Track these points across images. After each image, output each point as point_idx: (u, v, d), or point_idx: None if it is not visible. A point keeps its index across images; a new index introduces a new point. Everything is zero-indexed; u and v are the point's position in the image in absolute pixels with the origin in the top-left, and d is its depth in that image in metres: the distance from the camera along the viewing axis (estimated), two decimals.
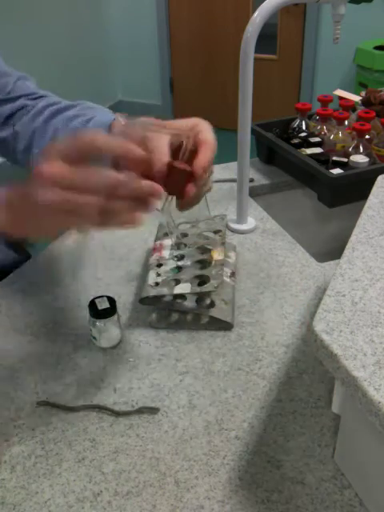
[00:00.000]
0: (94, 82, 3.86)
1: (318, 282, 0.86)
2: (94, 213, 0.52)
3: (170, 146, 0.58)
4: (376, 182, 0.79)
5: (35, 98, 0.87)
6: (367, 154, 1.07)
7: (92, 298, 0.73)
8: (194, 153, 0.60)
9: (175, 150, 0.60)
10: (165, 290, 0.76)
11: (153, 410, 0.64)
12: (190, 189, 0.58)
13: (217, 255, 0.80)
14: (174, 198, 0.60)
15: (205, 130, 0.63)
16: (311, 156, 1.09)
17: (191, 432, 0.62)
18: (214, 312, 0.76)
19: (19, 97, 0.87)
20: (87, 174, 0.53)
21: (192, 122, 0.64)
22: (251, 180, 1.15)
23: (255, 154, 1.24)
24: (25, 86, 0.89)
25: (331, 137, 1.15)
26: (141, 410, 0.64)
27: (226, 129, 3.85)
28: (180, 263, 0.81)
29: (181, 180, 0.58)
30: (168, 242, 0.85)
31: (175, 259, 0.82)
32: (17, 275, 0.90)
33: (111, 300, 0.73)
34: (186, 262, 0.80)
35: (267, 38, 3.50)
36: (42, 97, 0.87)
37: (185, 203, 0.61)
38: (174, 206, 0.61)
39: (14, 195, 0.57)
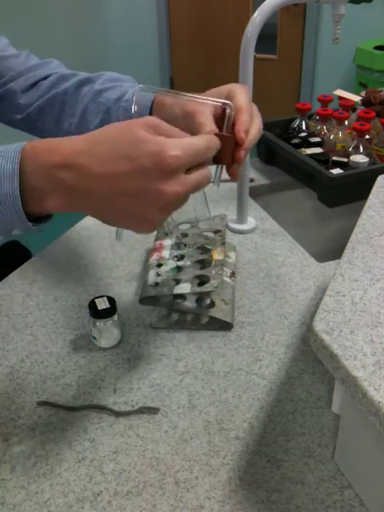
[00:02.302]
0: None
1: (318, 282, 0.86)
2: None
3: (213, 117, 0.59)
4: (376, 182, 0.79)
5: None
6: (367, 154, 1.07)
7: (92, 298, 0.73)
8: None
9: (217, 120, 0.61)
10: (165, 290, 0.76)
11: (153, 410, 0.64)
12: (240, 155, 0.60)
13: (217, 255, 0.80)
14: (224, 167, 0.62)
15: (239, 94, 0.63)
16: (311, 156, 1.09)
17: (191, 432, 0.62)
18: (213, 312, 0.76)
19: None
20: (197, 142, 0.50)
21: (227, 89, 0.64)
22: (251, 180, 1.15)
23: (255, 154, 1.24)
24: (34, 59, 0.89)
25: (331, 137, 1.15)
26: (141, 410, 0.64)
27: None
28: (180, 263, 0.81)
29: (228, 148, 0.60)
30: (168, 241, 0.85)
31: (175, 259, 0.82)
32: (17, 275, 0.90)
33: (111, 300, 0.73)
34: (186, 262, 0.80)
35: (267, 38, 3.50)
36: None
37: (235, 170, 0.61)
38: (223, 177, 0.62)
39: (110, 182, 0.46)
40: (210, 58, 3.87)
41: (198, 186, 0.51)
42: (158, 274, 0.79)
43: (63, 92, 0.80)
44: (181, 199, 0.50)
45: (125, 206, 0.48)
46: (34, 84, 0.83)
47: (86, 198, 0.48)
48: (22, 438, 0.62)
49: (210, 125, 0.59)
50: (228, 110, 0.60)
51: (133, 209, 0.48)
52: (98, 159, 0.47)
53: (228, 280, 0.82)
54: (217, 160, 0.60)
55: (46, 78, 0.83)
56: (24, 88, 0.82)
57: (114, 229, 1.03)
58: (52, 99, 0.80)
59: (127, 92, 0.76)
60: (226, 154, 0.60)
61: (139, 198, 0.47)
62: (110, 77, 0.81)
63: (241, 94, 0.63)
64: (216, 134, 0.57)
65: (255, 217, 1.04)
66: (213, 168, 0.59)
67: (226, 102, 0.60)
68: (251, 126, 0.62)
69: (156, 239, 0.89)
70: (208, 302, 0.78)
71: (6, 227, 0.50)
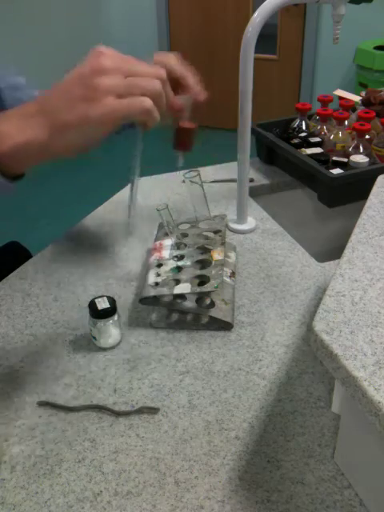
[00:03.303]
0: None
1: (318, 282, 0.86)
2: (156, 96, 0.53)
3: None
4: (376, 182, 0.79)
5: None
6: (367, 154, 1.07)
7: (92, 298, 0.73)
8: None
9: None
10: (165, 290, 0.76)
11: (153, 410, 0.64)
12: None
13: (217, 255, 0.80)
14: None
15: (167, 58, 0.69)
16: (311, 156, 1.09)
17: (191, 432, 0.62)
18: (213, 312, 0.76)
19: None
20: (141, 62, 0.54)
21: (159, 61, 0.68)
22: (251, 180, 1.15)
23: (255, 153, 1.24)
24: None
25: (331, 137, 1.15)
26: (141, 410, 0.64)
27: (226, 129, 3.86)
28: (180, 263, 0.81)
29: (190, 137, 0.67)
30: (168, 241, 0.85)
31: (175, 259, 0.82)
32: (17, 275, 0.90)
33: (111, 300, 0.73)
34: (186, 262, 0.80)
35: (267, 38, 3.50)
36: None
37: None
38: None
39: (54, 93, 0.52)
40: (210, 59, 3.87)
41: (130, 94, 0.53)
42: (158, 274, 0.79)
43: None
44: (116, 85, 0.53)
45: (69, 93, 0.52)
46: None
47: (37, 109, 0.52)
48: (22, 438, 0.62)
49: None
50: (187, 102, 0.63)
51: (76, 91, 0.52)
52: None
53: (228, 280, 0.82)
54: (177, 146, 0.68)
55: None
56: None
57: (113, 229, 1.03)
58: None
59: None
60: (188, 142, 0.67)
61: (80, 83, 0.53)
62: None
63: (169, 57, 0.69)
64: (179, 127, 0.63)
65: (255, 217, 1.04)
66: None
67: (184, 96, 0.64)
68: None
69: (156, 239, 0.89)
70: (208, 302, 0.78)
71: None
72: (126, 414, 0.64)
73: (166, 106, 0.56)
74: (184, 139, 0.68)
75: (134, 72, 0.53)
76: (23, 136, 0.50)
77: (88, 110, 0.51)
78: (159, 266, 0.81)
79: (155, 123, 0.54)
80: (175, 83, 0.68)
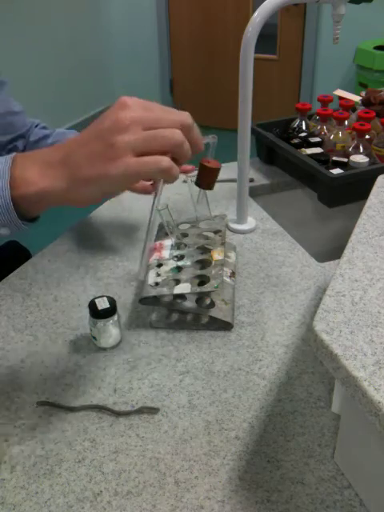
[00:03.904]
0: (94, 83, 3.86)
1: (318, 282, 0.86)
2: (176, 147, 0.52)
3: None
4: (376, 182, 0.79)
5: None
6: (367, 154, 1.07)
7: (92, 298, 0.73)
8: None
9: None
10: (165, 290, 0.76)
11: (153, 410, 0.64)
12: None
13: (217, 255, 0.80)
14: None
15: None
16: (311, 156, 1.09)
17: (191, 432, 0.62)
18: (213, 312, 0.76)
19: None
20: (166, 109, 0.53)
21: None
22: (251, 180, 1.15)
23: (255, 153, 1.24)
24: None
25: (331, 137, 1.15)
26: (141, 410, 0.64)
27: (226, 129, 3.85)
28: (180, 263, 0.81)
29: (212, 177, 0.68)
30: (168, 242, 0.85)
31: (175, 259, 0.82)
32: (17, 275, 0.90)
33: (111, 300, 0.73)
34: (186, 262, 0.80)
35: (267, 38, 3.50)
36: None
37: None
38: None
39: (75, 146, 0.52)
40: (209, 59, 3.87)
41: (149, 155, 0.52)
42: (158, 274, 0.79)
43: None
44: (136, 139, 0.52)
45: (89, 147, 0.52)
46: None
47: (59, 159, 0.53)
48: (22, 438, 0.62)
49: None
50: (212, 141, 0.63)
51: (96, 148, 0.52)
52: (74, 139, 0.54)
53: (228, 280, 0.82)
54: (201, 184, 0.69)
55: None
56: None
57: (113, 229, 1.03)
58: None
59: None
60: (211, 181, 0.70)
61: (99, 138, 0.52)
62: (59, 132, 1.01)
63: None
64: (202, 165, 0.65)
65: (255, 217, 1.04)
66: None
67: (209, 136, 0.66)
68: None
69: (156, 239, 0.89)
70: (208, 302, 0.78)
71: None
72: (126, 414, 0.64)
73: (189, 151, 0.55)
74: (207, 178, 0.69)
75: (155, 123, 0.52)
76: (45, 184, 0.52)
77: (107, 167, 0.51)
78: (159, 266, 0.81)
79: (174, 180, 0.54)
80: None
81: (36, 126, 1.08)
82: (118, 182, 0.52)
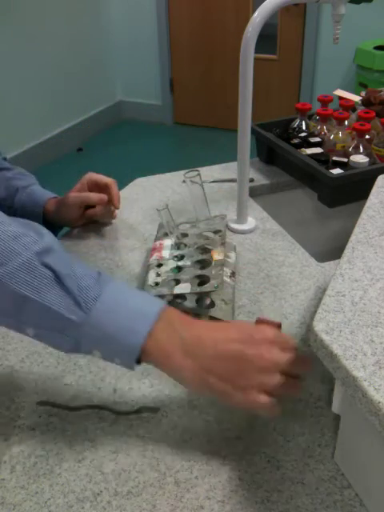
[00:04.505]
0: (94, 82, 3.86)
1: (318, 282, 0.86)
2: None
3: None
4: (376, 182, 0.79)
5: None
6: (367, 154, 1.07)
7: None
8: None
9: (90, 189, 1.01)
10: (165, 290, 0.76)
11: (153, 410, 0.64)
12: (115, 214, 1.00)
13: (217, 255, 0.80)
14: None
15: (95, 175, 1.03)
16: (311, 156, 1.09)
17: (191, 432, 0.62)
18: (213, 312, 0.76)
19: None
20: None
21: (86, 179, 1.02)
22: (251, 180, 1.15)
23: (255, 153, 1.24)
24: None
25: (331, 137, 1.15)
26: (140, 410, 0.64)
27: (226, 129, 3.86)
28: (180, 263, 0.81)
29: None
30: (168, 241, 0.85)
31: (175, 259, 0.82)
32: None
33: None
34: (186, 262, 0.80)
35: (267, 38, 3.50)
36: None
37: None
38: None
39: (211, 352, 0.54)
40: (209, 59, 3.87)
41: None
42: (158, 274, 0.79)
43: None
44: (275, 368, 0.55)
45: (225, 366, 0.54)
46: None
47: (194, 353, 0.54)
48: (22, 438, 0.62)
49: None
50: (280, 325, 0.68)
51: (231, 370, 0.54)
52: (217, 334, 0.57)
53: (228, 280, 0.82)
54: None
55: None
56: None
57: (113, 229, 1.03)
58: None
59: (34, 184, 1.02)
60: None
61: (238, 360, 0.54)
62: (20, 171, 1.04)
63: (97, 175, 1.02)
64: (260, 321, 0.66)
65: (255, 217, 1.04)
66: None
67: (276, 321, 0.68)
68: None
69: (156, 239, 0.89)
70: (208, 302, 0.77)
71: (114, 357, 0.55)
72: (126, 413, 0.64)
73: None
74: None
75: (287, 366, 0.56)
76: (181, 364, 0.54)
77: (234, 393, 0.54)
78: (159, 266, 0.81)
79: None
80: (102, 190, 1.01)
81: None
82: (234, 405, 0.56)
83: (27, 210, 0.98)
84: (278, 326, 0.73)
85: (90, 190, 1.00)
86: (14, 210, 0.99)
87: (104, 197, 0.98)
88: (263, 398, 0.53)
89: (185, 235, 0.86)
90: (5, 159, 1.05)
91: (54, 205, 0.99)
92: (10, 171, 1.03)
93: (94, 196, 0.98)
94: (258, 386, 0.53)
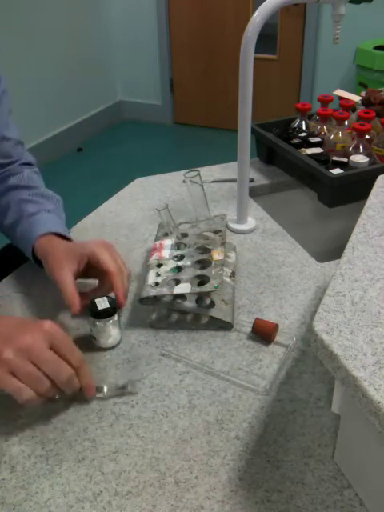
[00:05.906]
0: (94, 82, 3.86)
1: (318, 282, 0.86)
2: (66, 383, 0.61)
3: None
4: (376, 182, 0.79)
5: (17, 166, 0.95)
6: (367, 154, 1.07)
7: (92, 298, 0.73)
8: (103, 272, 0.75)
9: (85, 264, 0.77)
10: (165, 290, 0.76)
11: (130, 391, 0.67)
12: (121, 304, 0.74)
13: (217, 255, 0.80)
14: None
15: (102, 255, 0.75)
16: (311, 156, 1.09)
17: (191, 432, 0.62)
18: (213, 312, 0.76)
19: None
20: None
21: (89, 250, 0.76)
22: (251, 180, 1.15)
23: (255, 153, 1.24)
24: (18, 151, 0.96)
25: (331, 137, 1.15)
26: (120, 393, 0.67)
27: (226, 129, 3.86)
28: (180, 263, 0.81)
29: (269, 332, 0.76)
30: (168, 241, 0.85)
31: (175, 259, 0.82)
32: (17, 275, 0.90)
33: (111, 300, 0.73)
34: (186, 262, 0.80)
35: (267, 38, 3.50)
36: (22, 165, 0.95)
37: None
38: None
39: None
40: (209, 59, 3.87)
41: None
42: (158, 274, 0.79)
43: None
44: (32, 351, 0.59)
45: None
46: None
47: None
48: (22, 438, 0.62)
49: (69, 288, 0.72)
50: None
51: None
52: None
53: (228, 280, 0.82)
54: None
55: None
56: None
57: (113, 229, 1.03)
58: None
59: (42, 211, 0.87)
60: (266, 336, 0.75)
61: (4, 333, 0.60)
62: (42, 192, 0.91)
63: (103, 254, 0.75)
64: (259, 321, 0.74)
65: (255, 217, 1.04)
66: None
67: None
68: (124, 281, 0.75)
69: (156, 239, 0.89)
70: (208, 302, 0.78)
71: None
72: (103, 399, 0.66)
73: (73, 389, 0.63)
74: (263, 333, 0.74)
75: (45, 364, 0.59)
76: None
77: None
78: (159, 266, 0.81)
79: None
80: (103, 275, 0.76)
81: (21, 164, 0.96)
82: None
83: (22, 243, 0.86)
84: (276, 327, 0.73)
85: (90, 268, 0.77)
86: (16, 241, 0.88)
87: (75, 307, 0.71)
88: (10, 381, 0.57)
89: (185, 235, 0.86)
90: (36, 172, 0.95)
91: (43, 250, 0.81)
92: (32, 190, 0.90)
93: (69, 297, 0.72)
94: (8, 366, 0.57)
